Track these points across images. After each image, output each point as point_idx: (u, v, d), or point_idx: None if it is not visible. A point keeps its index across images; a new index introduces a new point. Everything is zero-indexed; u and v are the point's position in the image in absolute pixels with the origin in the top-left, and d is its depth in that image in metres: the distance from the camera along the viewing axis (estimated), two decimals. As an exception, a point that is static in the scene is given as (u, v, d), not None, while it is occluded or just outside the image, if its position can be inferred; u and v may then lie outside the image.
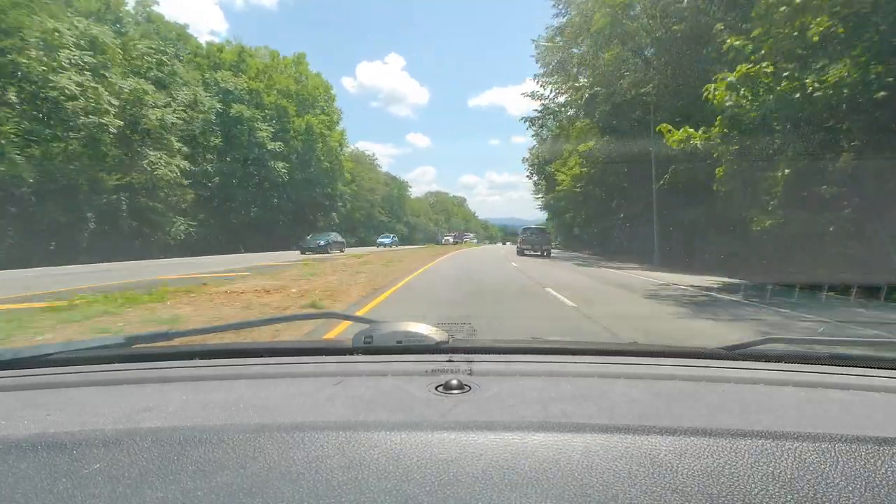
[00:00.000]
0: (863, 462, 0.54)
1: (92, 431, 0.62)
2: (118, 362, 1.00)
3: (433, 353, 1.00)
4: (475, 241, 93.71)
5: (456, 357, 0.98)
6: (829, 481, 0.52)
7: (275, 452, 0.56)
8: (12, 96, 19.13)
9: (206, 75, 36.35)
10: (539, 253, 25.94)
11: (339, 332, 5.23)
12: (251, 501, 0.50)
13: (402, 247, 48.43)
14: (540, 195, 58.99)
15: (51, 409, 0.74)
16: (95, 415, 0.72)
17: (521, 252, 27.04)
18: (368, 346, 1.02)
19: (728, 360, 1.02)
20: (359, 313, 5.25)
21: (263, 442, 0.58)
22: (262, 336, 4.11)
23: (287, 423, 0.64)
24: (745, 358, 1.01)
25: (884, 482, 0.52)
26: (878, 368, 0.95)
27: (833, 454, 0.55)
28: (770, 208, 11.30)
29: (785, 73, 9.72)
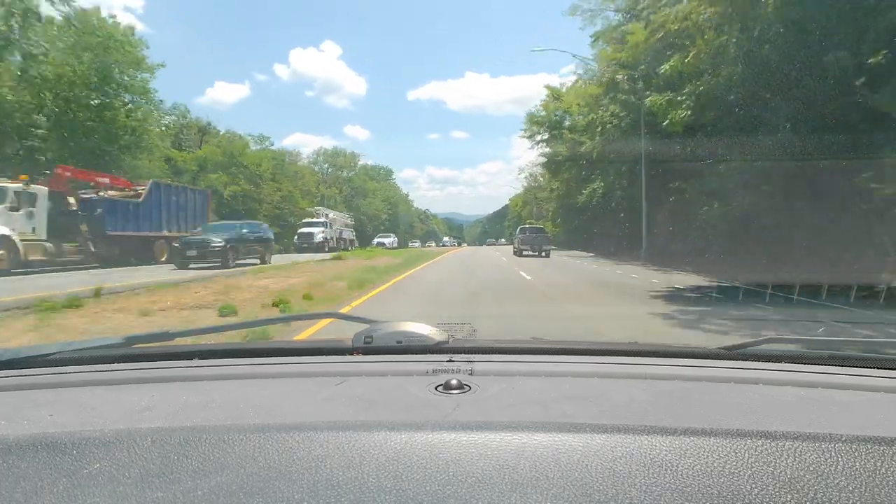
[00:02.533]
0: (863, 462, 0.54)
1: (92, 431, 0.62)
2: (118, 362, 1.00)
3: (433, 354, 1.00)
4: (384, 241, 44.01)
5: (456, 357, 0.98)
6: (829, 481, 0.52)
7: (275, 452, 0.56)
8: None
9: None
10: (537, 253, 24.99)
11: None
12: (251, 501, 0.50)
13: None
14: (541, 132, 32.27)
15: (51, 408, 0.74)
16: (95, 415, 0.72)
17: (518, 253, 25.82)
18: (368, 346, 1.02)
19: (728, 360, 1.01)
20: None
21: (263, 442, 0.58)
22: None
23: (287, 423, 0.64)
24: (745, 358, 1.01)
25: (884, 482, 0.52)
26: (878, 368, 0.95)
27: (833, 454, 0.55)
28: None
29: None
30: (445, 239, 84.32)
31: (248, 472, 0.53)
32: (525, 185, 69.09)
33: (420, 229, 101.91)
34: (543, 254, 25.03)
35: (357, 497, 0.50)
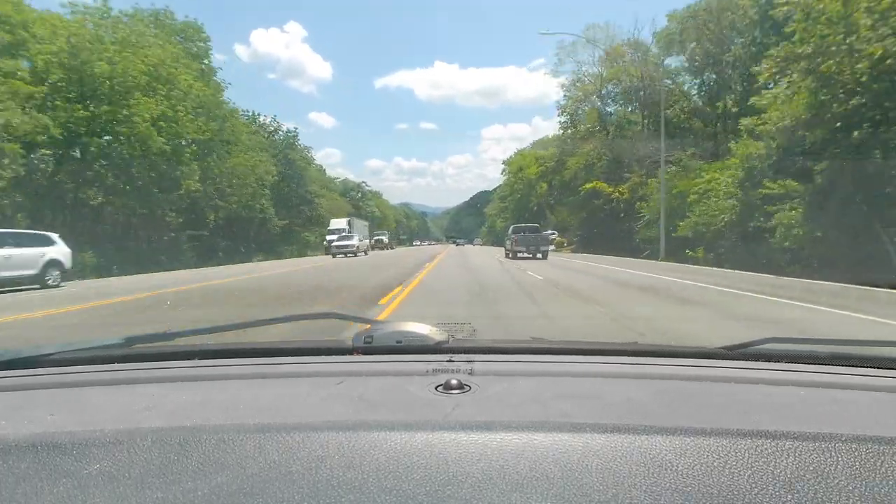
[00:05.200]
0: (863, 461, 0.54)
1: (92, 431, 0.62)
2: (118, 362, 1.00)
3: (433, 353, 0.99)
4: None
5: (456, 357, 0.98)
6: (829, 481, 0.52)
7: (275, 453, 0.56)
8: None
9: None
10: (532, 255, 22.54)
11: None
12: (251, 502, 0.50)
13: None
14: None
15: (51, 409, 0.74)
16: (95, 415, 0.72)
17: (513, 255, 23.23)
18: (368, 346, 1.02)
19: (728, 359, 1.01)
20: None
21: (264, 442, 0.58)
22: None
23: (287, 423, 0.64)
24: (745, 358, 1.01)
25: (884, 482, 0.52)
26: (879, 368, 0.95)
27: (833, 454, 0.55)
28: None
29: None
30: (332, 228, 39.66)
31: (248, 473, 0.53)
32: (564, 123, 37.89)
33: (339, 211, 53.37)
34: (540, 255, 22.76)
35: (357, 497, 0.50)
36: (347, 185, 77.55)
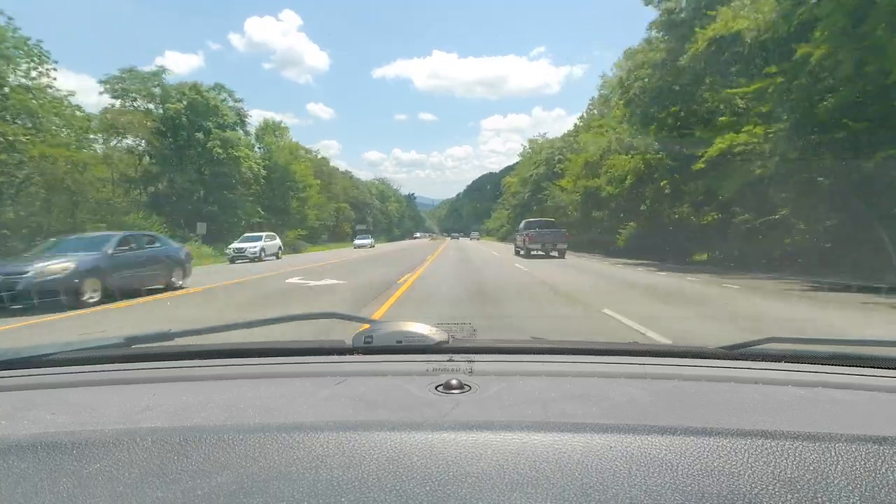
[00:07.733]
0: (863, 462, 0.54)
1: (92, 431, 0.62)
2: (118, 362, 1.00)
3: (433, 353, 0.99)
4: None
5: (456, 357, 0.98)
6: (829, 481, 0.52)
7: (275, 452, 0.56)
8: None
9: None
10: (546, 253, 21.00)
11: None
12: (251, 501, 0.50)
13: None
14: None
15: (51, 409, 0.74)
16: (95, 415, 0.72)
17: (526, 253, 21.47)
18: (368, 346, 1.02)
19: (728, 359, 1.01)
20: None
21: (263, 442, 0.58)
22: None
23: (287, 423, 0.64)
24: (745, 358, 1.01)
25: (884, 482, 0.52)
26: (879, 368, 0.95)
27: (833, 454, 0.55)
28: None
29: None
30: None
31: (248, 472, 0.53)
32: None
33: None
34: (555, 254, 20.98)
35: (357, 497, 0.50)
36: (195, 106, 31.23)
